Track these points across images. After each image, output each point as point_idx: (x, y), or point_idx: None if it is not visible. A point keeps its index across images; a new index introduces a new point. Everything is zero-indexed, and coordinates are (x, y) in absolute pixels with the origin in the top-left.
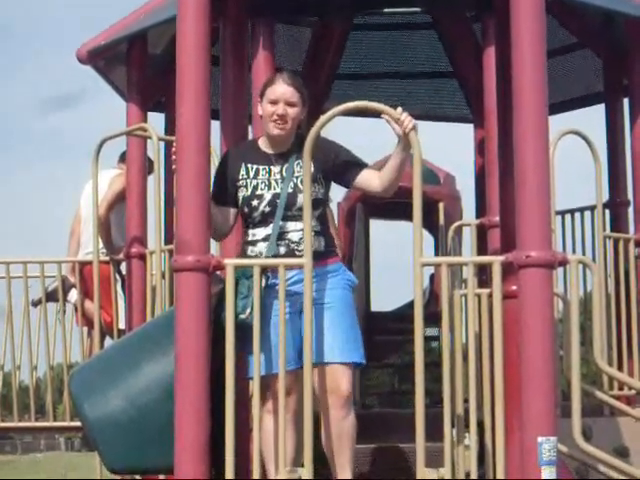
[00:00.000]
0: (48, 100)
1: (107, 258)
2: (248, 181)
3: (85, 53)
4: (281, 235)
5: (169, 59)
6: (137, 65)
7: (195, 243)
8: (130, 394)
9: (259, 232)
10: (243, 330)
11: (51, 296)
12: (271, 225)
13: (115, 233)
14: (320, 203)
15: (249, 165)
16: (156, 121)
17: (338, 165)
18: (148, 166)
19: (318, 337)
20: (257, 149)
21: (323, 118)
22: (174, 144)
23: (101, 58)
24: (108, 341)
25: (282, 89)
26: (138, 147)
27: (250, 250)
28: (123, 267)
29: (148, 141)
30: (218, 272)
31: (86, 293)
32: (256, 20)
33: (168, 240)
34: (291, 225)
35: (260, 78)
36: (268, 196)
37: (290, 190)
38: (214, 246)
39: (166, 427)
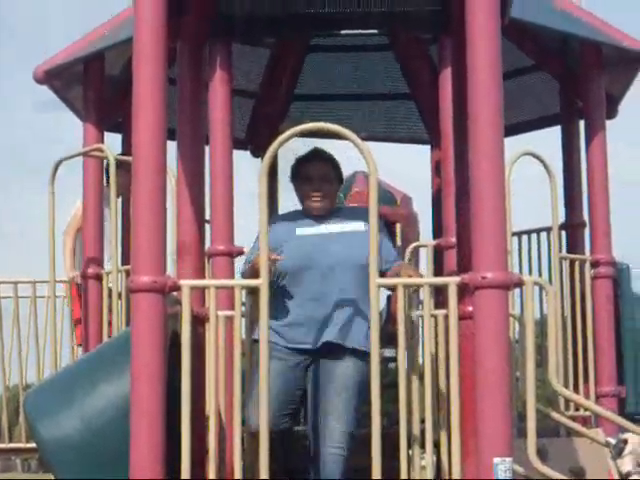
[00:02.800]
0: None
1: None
2: None
3: (42, 73)
4: None
5: (127, 80)
6: (94, 85)
7: (151, 263)
8: (85, 415)
9: None
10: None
11: None
12: None
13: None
14: None
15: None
16: (114, 142)
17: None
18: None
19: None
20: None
21: (280, 138)
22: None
23: (58, 78)
24: None
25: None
26: (95, 168)
27: None
28: None
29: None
30: (174, 293)
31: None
32: (213, 40)
33: (126, 261)
34: None
35: (217, 98)
36: None
37: None
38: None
39: (122, 449)
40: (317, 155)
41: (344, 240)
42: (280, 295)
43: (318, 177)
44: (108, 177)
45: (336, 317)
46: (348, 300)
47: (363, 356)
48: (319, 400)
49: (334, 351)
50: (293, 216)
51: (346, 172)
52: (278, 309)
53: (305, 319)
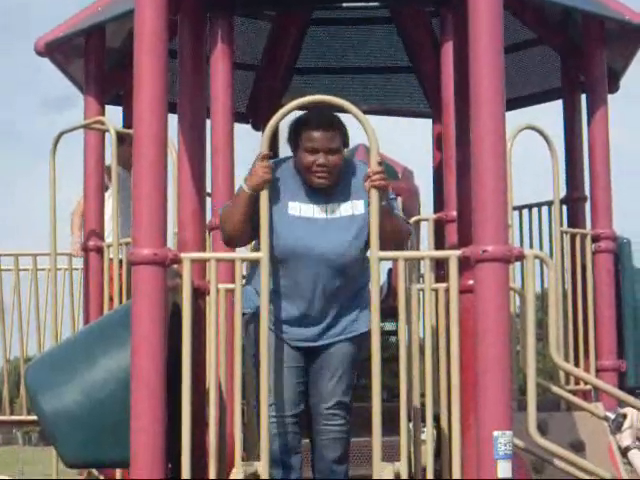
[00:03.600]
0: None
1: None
2: None
3: (43, 45)
4: None
5: (127, 53)
6: (94, 58)
7: (152, 236)
8: (86, 388)
9: None
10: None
11: None
12: None
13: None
14: None
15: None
16: (114, 114)
17: None
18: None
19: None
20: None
21: (281, 112)
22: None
23: (59, 51)
24: None
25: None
26: (96, 140)
27: None
28: None
29: (106, 134)
30: (175, 266)
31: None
32: (214, 13)
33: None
34: None
35: (218, 71)
36: None
37: None
38: (170, 240)
39: (122, 421)
40: (324, 121)
41: (341, 227)
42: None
43: (325, 149)
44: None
45: (333, 313)
46: (344, 291)
47: (360, 338)
48: (315, 383)
49: (332, 343)
50: (288, 178)
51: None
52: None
53: (300, 317)
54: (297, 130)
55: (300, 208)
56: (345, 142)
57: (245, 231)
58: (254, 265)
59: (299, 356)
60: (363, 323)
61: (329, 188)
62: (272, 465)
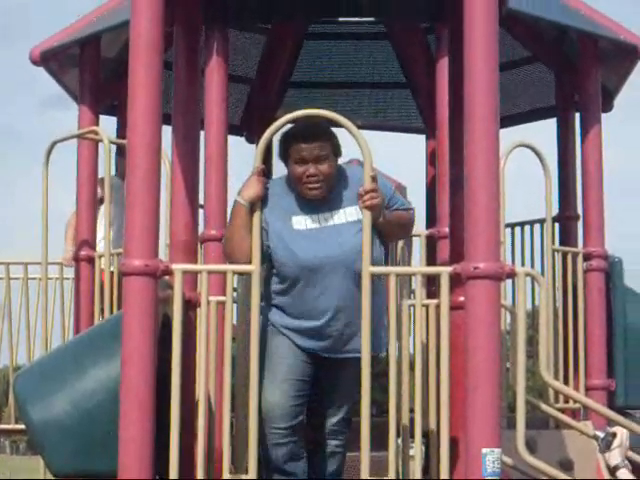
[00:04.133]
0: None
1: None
2: None
3: (38, 54)
4: None
5: (122, 63)
6: (89, 68)
7: (144, 247)
8: (75, 398)
9: None
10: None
11: None
12: None
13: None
14: None
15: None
16: (108, 125)
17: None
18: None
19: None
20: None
21: (274, 125)
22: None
23: (54, 60)
24: None
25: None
26: (89, 151)
27: None
28: None
29: (99, 144)
30: (166, 277)
31: None
32: (210, 26)
33: None
34: None
35: (213, 83)
36: None
37: None
38: (162, 251)
39: (110, 432)
40: (311, 132)
41: (350, 231)
42: (280, 300)
43: (313, 159)
44: (117, 164)
45: (351, 327)
46: (356, 304)
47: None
48: (322, 397)
49: (346, 359)
50: (286, 198)
51: (341, 160)
52: (283, 315)
53: (320, 329)
54: (286, 144)
55: (305, 221)
56: (336, 151)
57: (249, 247)
58: (266, 283)
59: (309, 367)
60: (377, 344)
61: (328, 196)
62: (275, 474)
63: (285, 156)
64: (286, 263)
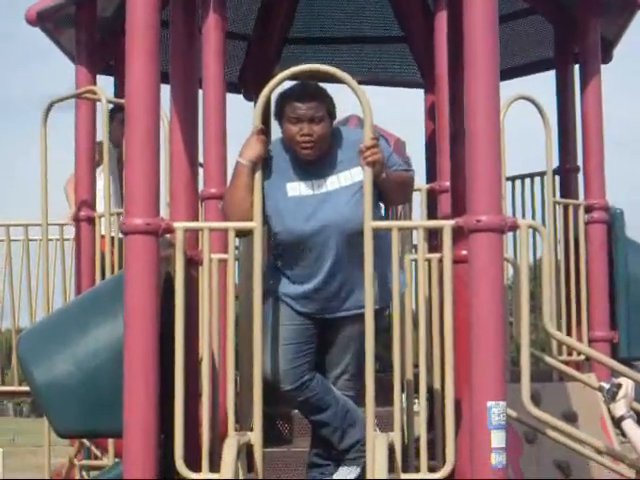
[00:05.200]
0: None
1: None
2: None
3: (34, 14)
4: None
5: (119, 22)
6: (86, 27)
7: (144, 205)
8: (78, 358)
9: None
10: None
11: None
12: None
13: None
14: None
15: None
16: (105, 84)
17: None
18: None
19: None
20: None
21: (273, 82)
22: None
23: (50, 20)
24: None
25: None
26: (87, 110)
27: None
28: None
29: (97, 104)
30: (167, 235)
31: None
32: None
33: None
34: None
35: (210, 41)
36: None
37: None
38: (163, 210)
39: (115, 391)
40: (305, 91)
41: (344, 196)
42: (279, 265)
43: (308, 118)
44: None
45: (349, 286)
46: (359, 263)
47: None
48: (330, 355)
49: (349, 317)
50: (279, 160)
51: (340, 115)
52: (281, 280)
53: (314, 294)
54: (281, 103)
55: (299, 187)
56: (331, 112)
57: (249, 207)
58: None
59: (310, 330)
60: (380, 299)
61: (323, 159)
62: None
63: (280, 115)
64: (280, 232)
